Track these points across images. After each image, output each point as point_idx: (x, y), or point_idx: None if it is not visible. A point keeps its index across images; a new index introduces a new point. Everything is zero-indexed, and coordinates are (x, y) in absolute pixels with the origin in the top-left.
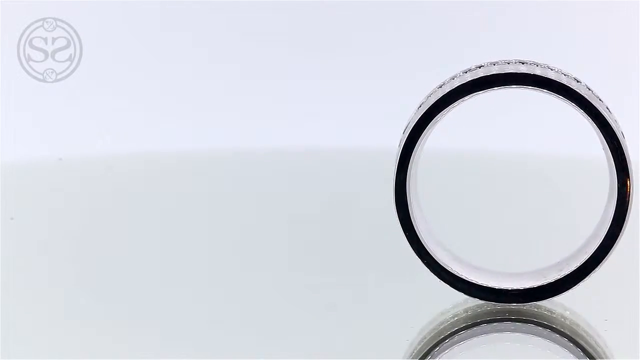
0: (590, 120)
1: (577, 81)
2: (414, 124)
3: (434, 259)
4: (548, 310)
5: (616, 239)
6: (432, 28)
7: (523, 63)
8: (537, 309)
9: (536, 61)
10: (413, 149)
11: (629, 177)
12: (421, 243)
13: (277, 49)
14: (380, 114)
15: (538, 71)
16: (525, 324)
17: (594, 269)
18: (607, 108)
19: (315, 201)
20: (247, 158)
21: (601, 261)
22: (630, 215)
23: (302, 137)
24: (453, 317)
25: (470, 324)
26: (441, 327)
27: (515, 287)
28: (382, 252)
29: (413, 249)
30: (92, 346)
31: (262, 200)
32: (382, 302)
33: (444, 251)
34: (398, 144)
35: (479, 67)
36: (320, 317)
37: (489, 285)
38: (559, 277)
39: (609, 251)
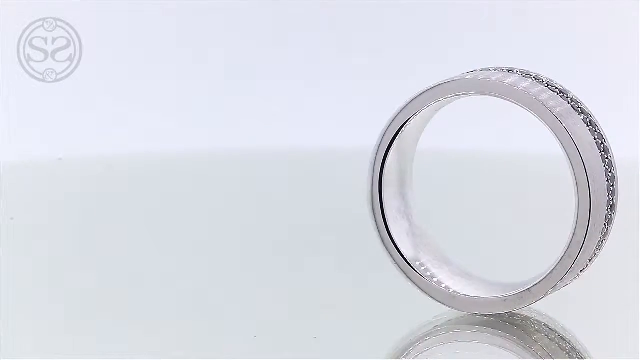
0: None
1: (562, 92)
2: (385, 127)
3: (403, 258)
4: (536, 322)
5: (574, 258)
6: (438, 29)
7: (510, 71)
8: (525, 320)
9: (526, 70)
10: (390, 147)
11: (590, 203)
12: (393, 242)
13: (278, 50)
14: (381, 114)
15: (518, 83)
16: (500, 335)
17: (550, 288)
18: (590, 122)
19: (315, 201)
20: (247, 158)
21: (557, 282)
22: (594, 231)
23: (302, 137)
24: (433, 322)
25: (446, 329)
26: (413, 332)
27: (478, 296)
28: (381, 252)
29: (384, 247)
30: (92, 346)
31: (262, 200)
32: (377, 303)
33: (424, 252)
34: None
35: (469, 72)
36: (315, 317)
37: (454, 291)
38: (520, 291)
39: (566, 271)
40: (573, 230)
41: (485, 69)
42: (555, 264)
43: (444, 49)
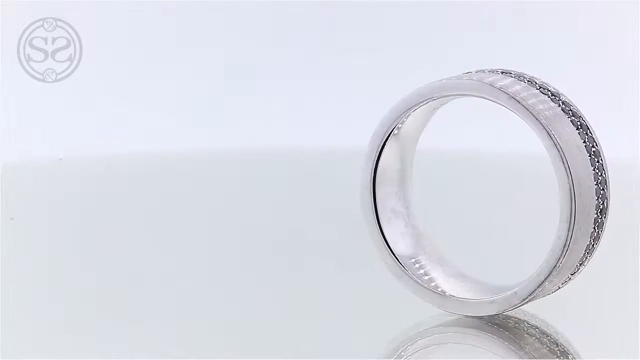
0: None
1: (554, 95)
2: (377, 127)
3: (395, 258)
4: (529, 325)
5: (558, 260)
6: (438, 29)
7: (505, 73)
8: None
9: (521, 72)
10: (383, 147)
11: (573, 206)
12: (386, 242)
13: (278, 50)
14: (381, 114)
15: (509, 85)
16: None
17: (535, 290)
18: (581, 125)
19: (314, 201)
20: (247, 158)
21: (543, 284)
22: (580, 234)
23: (302, 137)
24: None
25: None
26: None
27: (467, 297)
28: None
29: (375, 247)
30: (92, 346)
31: (262, 200)
32: (372, 303)
33: (420, 253)
34: None
35: (465, 74)
36: (309, 317)
37: (442, 291)
38: (507, 292)
39: (550, 273)
40: (557, 233)
41: (481, 71)
42: (540, 266)
43: (444, 49)
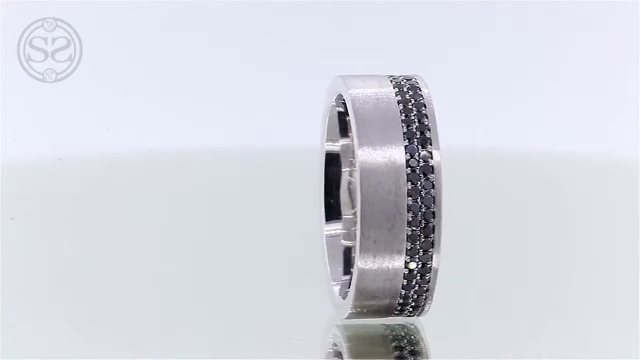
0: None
1: (413, 107)
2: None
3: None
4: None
5: (356, 273)
6: (438, 28)
7: (407, 79)
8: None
9: (413, 82)
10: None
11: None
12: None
13: (278, 50)
14: None
15: (363, 88)
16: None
17: (352, 302)
18: (422, 142)
19: (314, 201)
20: (247, 158)
21: (359, 296)
22: (380, 248)
23: (302, 138)
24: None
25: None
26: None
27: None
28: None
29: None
30: (92, 346)
31: (261, 199)
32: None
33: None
34: None
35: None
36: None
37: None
38: (346, 300)
39: (354, 287)
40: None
41: (392, 77)
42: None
43: (444, 49)
